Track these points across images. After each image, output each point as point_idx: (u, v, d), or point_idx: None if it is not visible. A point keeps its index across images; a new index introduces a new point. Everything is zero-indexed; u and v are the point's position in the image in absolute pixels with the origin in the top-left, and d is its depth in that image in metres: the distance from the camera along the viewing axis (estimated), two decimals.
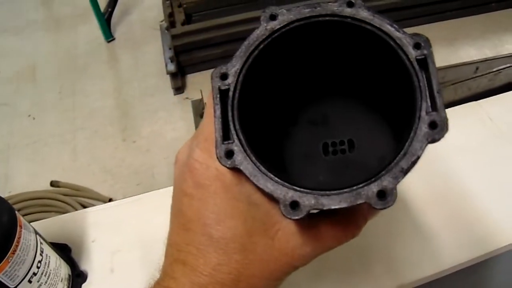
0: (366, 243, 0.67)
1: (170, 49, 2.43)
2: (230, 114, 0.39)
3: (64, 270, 0.66)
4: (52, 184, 2.07)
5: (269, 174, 0.37)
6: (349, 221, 0.41)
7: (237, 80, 0.40)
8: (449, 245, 0.67)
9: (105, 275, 0.69)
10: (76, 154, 2.24)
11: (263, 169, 0.37)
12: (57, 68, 2.65)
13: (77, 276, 0.69)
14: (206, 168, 0.40)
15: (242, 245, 0.38)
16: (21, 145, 2.32)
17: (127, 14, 2.86)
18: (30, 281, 0.58)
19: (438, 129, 0.37)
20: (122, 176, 2.11)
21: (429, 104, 0.37)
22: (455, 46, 2.47)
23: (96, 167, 2.17)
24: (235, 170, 0.38)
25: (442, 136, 0.37)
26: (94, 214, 0.77)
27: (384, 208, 0.35)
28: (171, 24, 2.47)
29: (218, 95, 0.39)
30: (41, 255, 0.60)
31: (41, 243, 0.61)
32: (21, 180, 2.16)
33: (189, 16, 2.55)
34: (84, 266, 0.71)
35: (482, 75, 1.88)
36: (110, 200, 1.97)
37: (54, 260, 0.63)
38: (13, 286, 0.56)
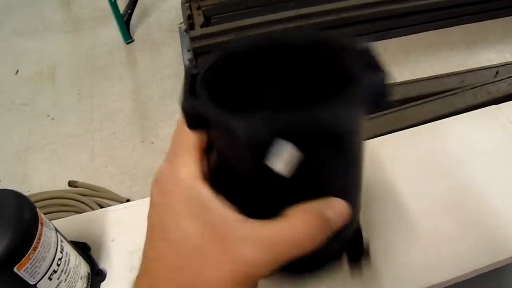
0: (384, 248, 0.67)
1: (188, 51, 2.43)
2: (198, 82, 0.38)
3: (83, 268, 0.66)
4: (70, 184, 2.09)
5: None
6: (309, 223, 0.37)
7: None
8: (469, 250, 0.67)
9: (124, 274, 0.69)
10: (94, 155, 2.26)
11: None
12: (76, 69, 2.68)
13: (96, 275, 0.69)
14: (169, 176, 0.41)
15: (195, 248, 0.38)
16: (40, 145, 2.34)
17: (146, 16, 2.87)
18: (50, 278, 0.59)
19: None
20: (139, 177, 2.12)
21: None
22: (474, 50, 2.46)
23: (113, 168, 2.18)
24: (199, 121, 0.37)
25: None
26: (114, 213, 0.77)
27: None
28: (190, 26, 2.48)
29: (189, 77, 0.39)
30: (61, 252, 0.61)
31: (61, 241, 0.62)
32: (39, 179, 2.18)
33: (208, 18, 2.56)
34: (103, 265, 0.71)
35: (502, 79, 1.87)
36: (128, 201, 1.99)
37: (74, 258, 0.64)
38: (34, 283, 0.57)
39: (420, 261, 0.66)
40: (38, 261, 0.56)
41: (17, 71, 2.72)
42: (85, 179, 2.11)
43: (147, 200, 0.78)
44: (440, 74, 2.15)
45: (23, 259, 0.54)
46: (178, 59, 2.53)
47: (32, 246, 0.55)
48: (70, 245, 0.65)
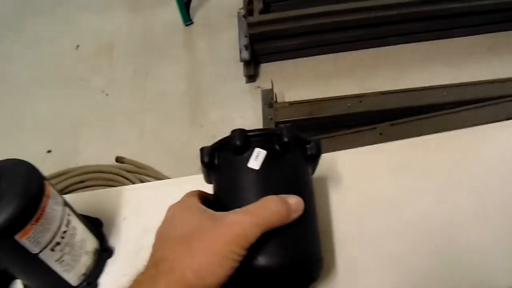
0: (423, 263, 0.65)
1: (245, 37, 2.43)
2: None
3: (91, 243, 0.67)
4: (117, 160, 2.13)
5: None
6: (276, 203, 0.53)
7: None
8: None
9: (132, 253, 0.70)
10: (144, 133, 2.30)
11: None
12: (134, 48, 2.72)
13: (104, 251, 0.70)
14: (177, 203, 0.59)
15: (195, 226, 0.52)
16: (92, 119, 2.39)
17: (206, 0, 2.88)
18: (53, 250, 0.60)
19: None
20: (185, 158, 2.12)
21: None
22: None
23: (161, 148, 2.21)
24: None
25: None
26: (130, 192, 0.78)
27: None
28: (249, 12, 2.48)
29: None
30: (67, 226, 0.61)
31: (69, 215, 0.62)
32: (88, 153, 2.23)
33: (267, 5, 2.55)
34: (112, 242, 0.72)
35: None
36: None
37: (81, 233, 0.65)
38: (35, 252, 0.58)
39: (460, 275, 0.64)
40: (41, 232, 0.57)
41: (77, 46, 2.78)
42: (132, 156, 2.15)
43: (164, 182, 0.79)
44: (501, 78, 2.07)
45: (24, 228, 0.55)
46: (234, 44, 2.52)
47: (35, 217, 0.56)
48: (80, 219, 0.66)
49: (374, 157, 0.79)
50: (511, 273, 0.63)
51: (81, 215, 0.68)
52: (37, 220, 0.56)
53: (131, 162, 2.12)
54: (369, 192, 0.73)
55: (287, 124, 0.62)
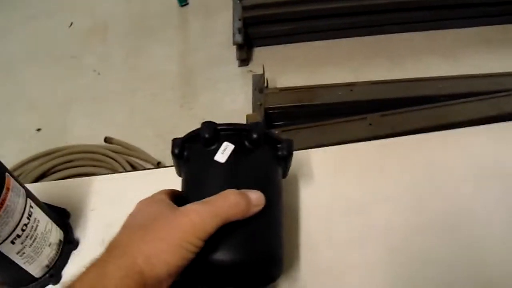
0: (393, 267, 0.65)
1: (239, 20, 2.41)
2: None
3: (55, 235, 0.67)
4: (106, 140, 2.12)
5: None
6: (236, 196, 0.53)
7: None
8: None
9: (95, 246, 0.69)
10: (133, 114, 2.28)
11: None
12: (128, 28, 2.70)
13: (69, 243, 0.69)
14: (146, 198, 0.58)
15: (156, 215, 0.52)
16: (82, 98, 2.38)
17: None
18: (13, 242, 0.59)
19: None
20: None
21: None
22: None
23: (150, 129, 2.20)
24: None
25: None
26: (99, 183, 0.77)
27: None
28: None
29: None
30: (28, 218, 0.61)
31: (31, 207, 0.62)
32: (78, 132, 2.22)
33: None
34: (78, 234, 0.71)
35: None
36: (159, 163, 2.00)
37: (44, 225, 0.64)
38: None
39: None
40: (0, 225, 0.56)
41: (71, 23, 2.75)
42: (121, 137, 2.14)
43: (133, 174, 0.78)
44: (495, 73, 2.05)
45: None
46: (228, 27, 2.49)
47: None
48: (44, 211, 0.65)
49: (349, 156, 0.78)
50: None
51: (46, 205, 0.68)
52: None
53: (120, 143, 2.11)
54: (340, 192, 0.72)
55: (258, 122, 0.61)
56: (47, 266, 0.66)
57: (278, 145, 0.62)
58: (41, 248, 0.64)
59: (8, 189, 0.57)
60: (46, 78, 2.50)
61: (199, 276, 0.54)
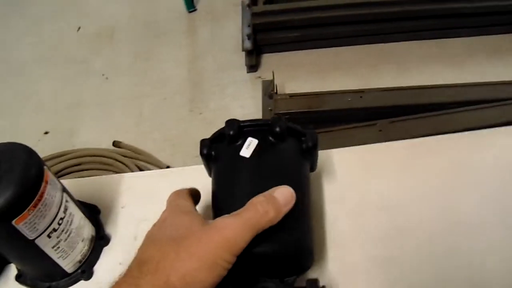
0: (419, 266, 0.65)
1: (249, 26, 2.42)
2: None
3: (87, 230, 0.67)
4: (114, 144, 2.12)
5: None
6: (261, 202, 0.51)
7: None
8: None
9: (128, 242, 0.69)
10: (142, 118, 2.29)
11: None
12: (136, 33, 2.70)
13: (101, 239, 0.70)
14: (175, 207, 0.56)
15: (187, 230, 0.50)
16: (91, 102, 2.38)
17: None
18: (49, 236, 0.59)
19: None
20: (182, 145, 2.13)
21: None
22: None
23: (158, 134, 2.20)
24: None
25: None
26: (129, 180, 0.77)
27: None
28: (253, 1, 2.46)
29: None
30: (64, 212, 0.61)
31: (66, 201, 0.62)
32: (86, 136, 2.22)
33: None
34: (109, 230, 0.71)
35: None
36: (168, 167, 2.00)
37: (78, 220, 0.64)
38: (32, 239, 0.57)
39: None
40: (38, 217, 0.56)
41: (79, 28, 2.76)
42: (129, 141, 2.14)
43: (163, 172, 0.78)
44: (502, 81, 2.06)
45: (22, 214, 0.54)
46: (237, 33, 2.50)
47: (33, 203, 0.55)
48: (78, 206, 0.65)
49: (370, 156, 0.78)
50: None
51: (78, 201, 0.68)
52: (35, 206, 0.55)
53: (128, 147, 2.11)
54: (364, 192, 0.72)
55: (280, 116, 0.63)
56: (80, 261, 0.66)
57: (303, 138, 0.62)
58: (75, 243, 0.64)
59: (46, 182, 0.57)
60: (54, 82, 2.51)
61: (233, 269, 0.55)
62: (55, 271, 0.64)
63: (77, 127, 2.28)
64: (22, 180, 0.54)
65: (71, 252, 0.64)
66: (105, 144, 2.13)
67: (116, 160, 2.00)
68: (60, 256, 0.62)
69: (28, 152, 0.58)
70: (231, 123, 0.61)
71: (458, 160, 0.75)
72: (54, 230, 0.59)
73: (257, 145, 0.60)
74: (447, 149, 0.77)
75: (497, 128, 0.82)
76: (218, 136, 0.62)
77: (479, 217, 0.68)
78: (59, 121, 2.32)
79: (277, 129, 0.60)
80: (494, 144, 0.77)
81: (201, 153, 0.62)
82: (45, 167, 0.58)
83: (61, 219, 0.60)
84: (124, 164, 1.99)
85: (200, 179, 0.63)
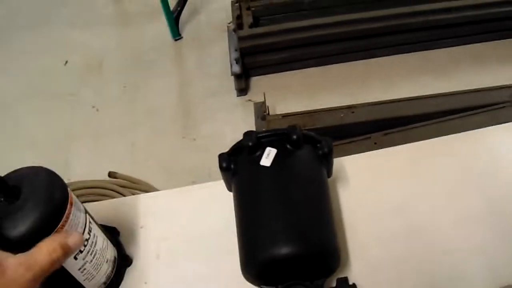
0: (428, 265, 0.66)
1: (236, 50, 2.44)
2: None
3: (110, 252, 0.67)
4: (110, 175, 2.11)
5: None
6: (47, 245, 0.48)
7: None
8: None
9: (150, 261, 0.69)
10: (135, 147, 2.28)
11: None
12: (124, 63, 2.70)
13: (123, 259, 0.70)
14: None
15: None
16: (83, 134, 2.37)
17: (195, 14, 2.88)
18: (75, 258, 0.59)
19: None
20: (178, 172, 2.12)
21: None
22: None
23: (153, 162, 2.20)
24: None
25: None
26: (145, 201, 0.77)
27: None
28: (239, 26, 2.48)
29: None
30: (89, 233, 0.61)
31: (90, 222, 0.62)
32: (80, 168, 2.21)
33: (256, 19, 2.55)
34: (130, 251, 0.71)
35: None
36: None
37: (102, 241, 0.64)
38: None
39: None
40: None
41: (66, 61, 2.76)
42: (124, 171, 2.13)
43: (178, 190, 0.79)
44: (488, 87, 2.10)
45: (50, 235, 0.54)
46: (225, 58, 2.52)
47: (60, 224, 0.55)
48: (99, 228, 0.65)
49: (379, 161, 0.80)
50: None
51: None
52: (62, 227, 0.55)
53: (124, 177, 2.10)
54: (375, 196, 0.74)
55: (295, 125, 0.64)
56: (104, 283, 0.66)
57: (318, 144, 0.64)
58: (100, 265, 0.64)
59: (71, 203, 0.58)
60: (44, 116, 2.49)
61: (262, 273, 0.57)
62: None
63: (71, 160, 2.27)
64: (48, 202, 0.55)
65: (96, 274, 0.63)
66: (100, 175, 2.12)
67: (114, 191, 1.99)
68: (86, 279, 0.62)
69: (50, 174, 0.59)
70: (249, 134, 0.62)
71: (465, 159, 0.77)
72: (80, 251, 0.59)
73: (276, 153, 0.61)
74: (451, 148, 0.80)
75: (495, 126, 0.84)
76: (236, 149, 0.63)
77: (490, 212, 0.69)
78: (52, 155, 2.30)
79: (294, 136, 0.62)
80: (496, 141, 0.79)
81: (221, 167, 0.63)
82: (69, 188, 0.59)
83: (86, 240, 0.60)
84: (123, 194, 1.98)
85: (208, 196, 0.67)
